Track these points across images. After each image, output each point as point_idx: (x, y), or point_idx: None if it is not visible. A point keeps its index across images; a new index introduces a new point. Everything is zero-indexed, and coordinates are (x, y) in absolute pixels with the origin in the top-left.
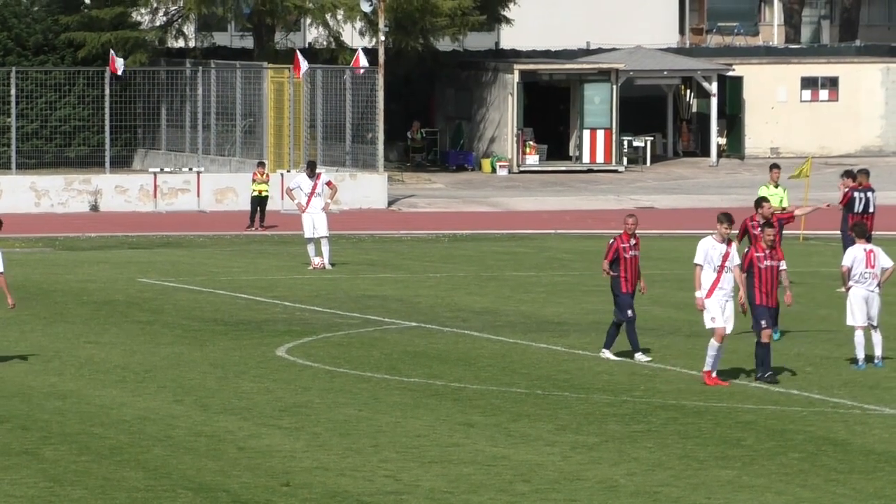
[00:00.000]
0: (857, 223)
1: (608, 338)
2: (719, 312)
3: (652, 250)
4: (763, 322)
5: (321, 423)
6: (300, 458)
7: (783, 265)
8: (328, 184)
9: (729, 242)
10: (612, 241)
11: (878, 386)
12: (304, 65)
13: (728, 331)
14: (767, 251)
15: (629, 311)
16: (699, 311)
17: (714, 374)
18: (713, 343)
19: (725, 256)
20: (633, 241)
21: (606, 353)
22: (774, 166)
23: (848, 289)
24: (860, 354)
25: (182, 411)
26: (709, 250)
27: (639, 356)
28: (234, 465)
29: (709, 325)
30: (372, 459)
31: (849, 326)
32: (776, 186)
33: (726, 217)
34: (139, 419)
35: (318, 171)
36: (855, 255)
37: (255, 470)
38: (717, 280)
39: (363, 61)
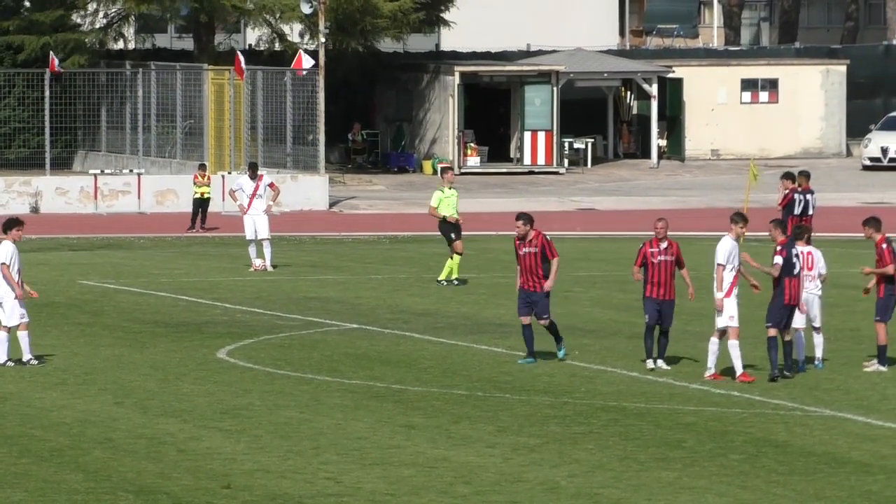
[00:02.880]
0: (799, 226)
1: (645, 347)
2: (736, 312)
3: (593, 251)
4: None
5: (262, 426)
6: (241, 461)
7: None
8: (270, 185)
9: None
10: (641, 245)
11: (818, 387)
12: (244, 66)
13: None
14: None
15: (646, 316)
16: (718, 310)
17: (742, 372)
18: (734, 342)
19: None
20: (663, 246)
21: (649, 363)
22: (447, 169)
23: None
24: (801, 355)
25: (122, 413)
26: (731, 250)
27: (659, 363)
28: (175, 468)
29: (726, 323)
30: (313, 462)
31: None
32: (450, 188)
33: (741, 217)
34: (79, 421)
35: (259, 172)
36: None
37: (195, 472)
38: (735, 280)
39: (305, 63)
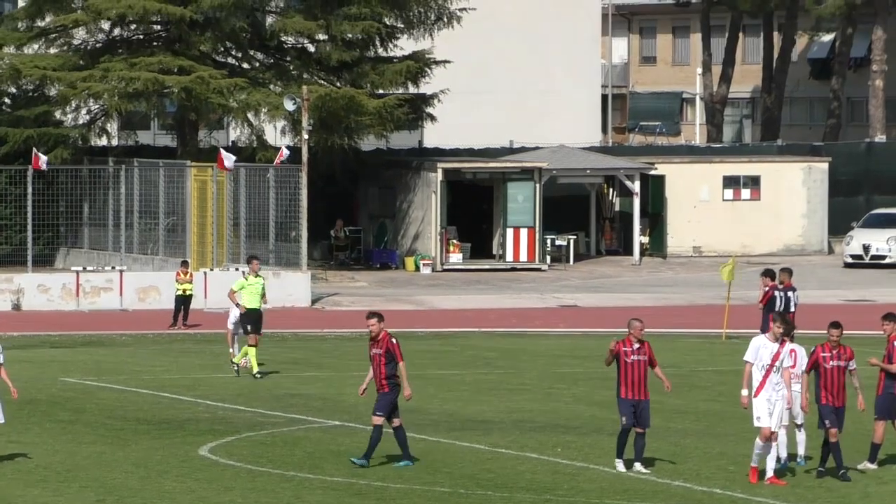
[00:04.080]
0: (786, 323)
1: (618, 446)
2: (766, 412)
3: (576, 349)
4: (827, 421)
5: None
6: None
7: (852, 365)
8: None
9: (782, 342)
10: (613, 344)
11: (800, 485)
12: (228, 159)
13: (774, 429)
14: (834, 351)
15: (623, 419)
16: (743, 408)
17: (758, 471)
18: (758, 442)
19: (776, 356)
20: (636, 346)
21: (619, 465)
22: (253, 258)
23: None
24: (783, 454)
25: None
26: (760, 348)
27: (637, 466)
28: None
29: (756, 423)
30: None
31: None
32: (255, 276)
33: (781, 317)
34: None
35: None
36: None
37: None
38: (765, 379)
39: (285, 154)
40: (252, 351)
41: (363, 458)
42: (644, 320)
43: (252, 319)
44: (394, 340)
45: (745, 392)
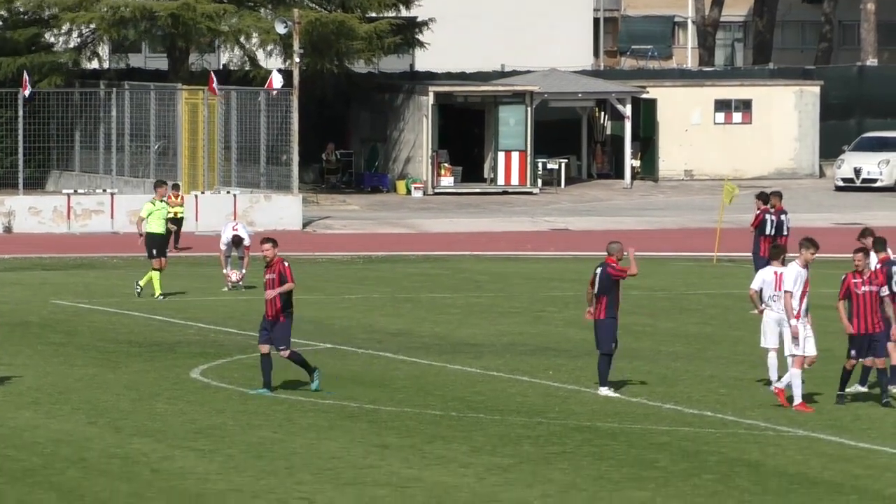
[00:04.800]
0: (776, 245)
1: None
2: (803, 340)
3: (567, 272)
4: (853, 351)
5: (235, 445)
6: (214, 481)
7: (885, 291)
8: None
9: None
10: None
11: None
12: (216, 85)
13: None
14: (864, 277)
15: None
16: (794, 338)
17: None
18: (796, 371)
19: (806, 283)
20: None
21: (604, 391)
22: (162, 183)
23: (761, 311)
24: (773, 376)
25: (96, 433)
26: (798, 277)
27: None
28: (148, 488)
29: (792, 351)
30: (286, 481)
31: (762, 349)
32: (161, 201)
33: (811, 242)
34: (53, 441)
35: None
36: (764, 277)
37: (168, 492)
38: (801, 306)
39: (277, 82)
40: (156, 275)
41: (264, 388)
42: (633, 244)
43: (157, 244)
44: (285, 264)
45: (794, 322)
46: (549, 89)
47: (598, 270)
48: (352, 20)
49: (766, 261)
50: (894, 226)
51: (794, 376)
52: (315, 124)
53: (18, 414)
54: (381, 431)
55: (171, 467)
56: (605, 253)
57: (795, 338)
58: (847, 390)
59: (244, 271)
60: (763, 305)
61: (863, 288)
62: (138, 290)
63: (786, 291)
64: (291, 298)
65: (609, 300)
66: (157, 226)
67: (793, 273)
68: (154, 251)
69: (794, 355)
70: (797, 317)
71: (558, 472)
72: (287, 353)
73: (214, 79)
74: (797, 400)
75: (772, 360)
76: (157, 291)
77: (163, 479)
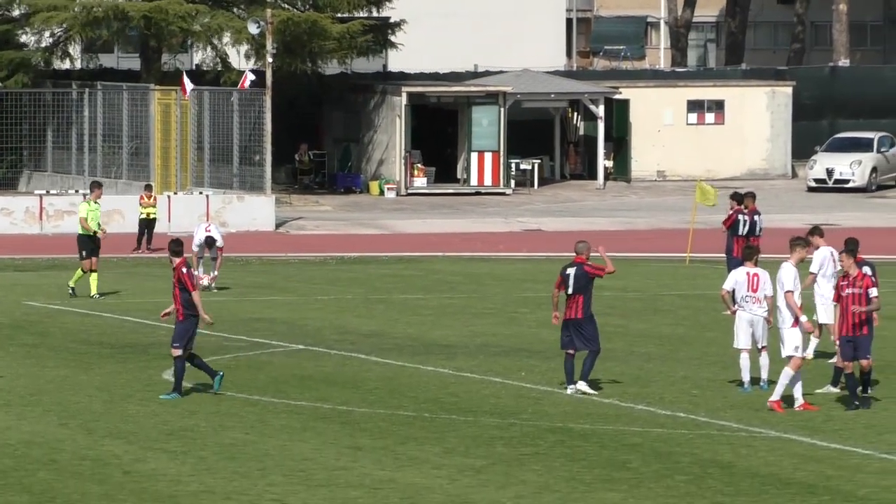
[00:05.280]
0: (749, 246)
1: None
2: (801, 341)
3: (540, 273)
4: (840, 356)
5: (208, 447)
6: (186, 482)
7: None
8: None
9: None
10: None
11: (764, 408)
12: (188, 85)
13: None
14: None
15: (562, 345)
16: (808, 333)
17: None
18: (791, 372)
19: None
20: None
21: (570, 388)
22: (98, 184)
23: (733, 312)
24: (745, 377)
25: (67, 435)
26: (796, 275)
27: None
28: (120, 489)
29: (790, 353)
30: (259, 483)
31: (735, 349)
32: (95, 202)
33: (806, 240)
34: (24, 443)
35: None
36: (736, 278)
37: (140, 494)
38: (800, 308)
39: (249, 80)
40: (94, 276)
41: (173, 393)
42: (605, 244)
43: (88, 244)
44: (184, 270)
45: (804, 318)
46: (522, 90)
47: (572, 271)
48: (324, 20)
49: (740, 261)
50: (867, 226)
51: (789, 377)
52: (288, 125)
53: None
54: (354, 433)
55: (143, 469)
56: (574, 253)
57: (809, 333)
58: (818, 391)
59: (216, 273)
60: (735, 306)
61: (847, 290)
62: (70, 291)
63: (787, 291)
64: (192, 301)
65: (585, 299)
66: (92, 225)
67: (791, 273)
68: (84, 252)
69: (791, 356)
70: (795, 322)
71: (531, 474)
72: (177, 352)
73: (186, 83)
74: (799, 401)
75: (744, 361)
76: (93, 291)
77: (135, 481)
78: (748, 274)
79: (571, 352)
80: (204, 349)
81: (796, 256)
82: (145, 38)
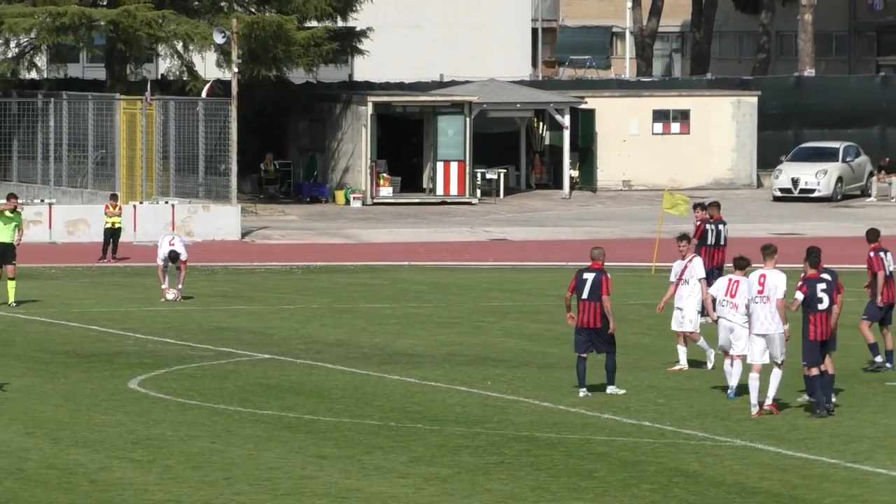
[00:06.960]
0: (741, 257)
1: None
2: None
3: (506, 282)
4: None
5: (174, 456)
6: (152, 491)
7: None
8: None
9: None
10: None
11: (730, 417)
12: (147, 93)
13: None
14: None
15: (575, 348)
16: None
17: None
18: (755, 375)
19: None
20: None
21: (583, 392)
22: (12, 196)
23: (715, 320)
24: (732, 383)
25: (33, 444)
26: (779, 285)
27: (609, 390)
28: (86, 499)
29: (761, 360)
30: (225, 492)
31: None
32: (13, 212)
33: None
34: None
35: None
36: (719, 285)
37: (106, 503)
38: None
39: (212, 89)
40: (12, 283)
41: None
42: (571, 255)
43: (3, 253)
44: None
45: (786, 325)
46: (488, 99)
47: (590, 276)
48: (289, 23)
49: (710, 271)
50: (832, 236)
51: (779, 378)
52: (254, 134)
53: None
54: (320, 442)
55: (109, 478)
56: (590, 260)
57: (788, 339)
58: (798, 400)
59: (181, 286)
60: (715, 314)
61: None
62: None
63: (780, 299)
64: None
65: (601, 307)
66: (4, 235)
67: (783, 279)
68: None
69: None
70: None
71: (497, 483)
72: None
73: (147, 90)
74: (769, 401)
75: (726, 367)
76: (10, 299)
77: (101, 490)
78: (730, 280)
79: (585, 355)
80: (169, 358)
81: (769, 265)
82: (112, 45)
